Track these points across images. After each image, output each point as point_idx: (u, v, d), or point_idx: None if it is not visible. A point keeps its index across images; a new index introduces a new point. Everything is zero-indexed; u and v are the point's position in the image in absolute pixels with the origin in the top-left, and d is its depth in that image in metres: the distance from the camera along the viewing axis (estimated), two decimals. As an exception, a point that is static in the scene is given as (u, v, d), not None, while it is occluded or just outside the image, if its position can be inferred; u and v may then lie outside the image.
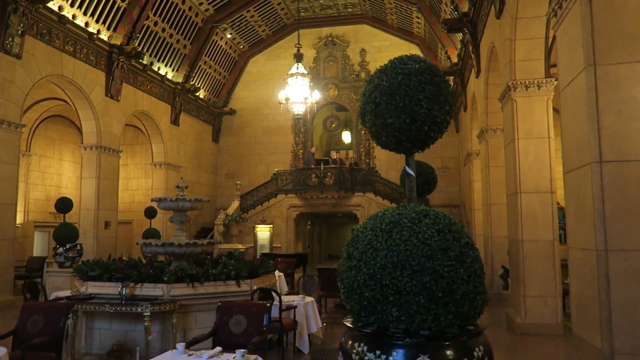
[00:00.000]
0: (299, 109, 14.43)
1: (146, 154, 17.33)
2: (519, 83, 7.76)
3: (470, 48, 11.77)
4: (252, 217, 18.19)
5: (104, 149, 13.54)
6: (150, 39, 15.45)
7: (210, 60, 19.04)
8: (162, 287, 5.98)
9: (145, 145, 17.23)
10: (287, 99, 14.37)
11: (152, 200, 7.50)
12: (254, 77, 20.94)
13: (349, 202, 17.87)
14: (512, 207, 7.97)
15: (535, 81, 7.71)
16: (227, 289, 6.19)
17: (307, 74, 14.60)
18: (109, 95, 13.80)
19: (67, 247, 9.86)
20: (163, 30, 15.81)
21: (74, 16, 12.31)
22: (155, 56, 16.03)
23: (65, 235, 9.90)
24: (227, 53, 19.90)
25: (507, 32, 7.98)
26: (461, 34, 12.84)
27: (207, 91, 19.84)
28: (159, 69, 16.38)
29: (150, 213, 13.44)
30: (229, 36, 19.19)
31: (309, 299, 6.82)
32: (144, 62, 15.50)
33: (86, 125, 13.34)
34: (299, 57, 14.65)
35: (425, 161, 8.32)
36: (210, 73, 19.45)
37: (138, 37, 14.42)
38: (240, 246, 16.60)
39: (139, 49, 14.36)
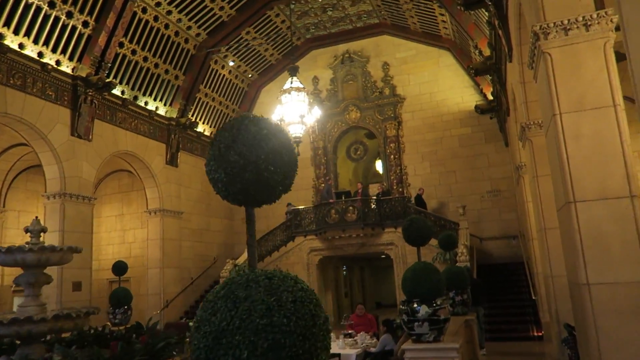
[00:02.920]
0: (296, 130, 11.98)
1: (143, 202, 15.43)
2: (552, 26, 4.83)
3: (496, 22, 8.93)
4: (268, 266, 15.63)
5: (69, 197, 11.66)
6: (130, 69, 13.80)
7: (213, 92, 17.32)
8: None
9: (142, 192, 15.36)
10: (281, 120, 12.00)
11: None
12: (267, 108, 18.84)
13: (379, 241, 15.04)
14: (566, 228, 4.89)
15: (581, 19, 4.75)
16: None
17: (304, 88, 12.19)
18: (76, 134, 12.06)
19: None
20: (145, 59, 14.16)
21: (20, 45, 10.73)
22: (139, 89, 14.37)
23: None
24: (233, 84, 18.16)
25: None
26: (484, 10, 10.06)
27: (213, 127, 18.05)
28: (146, 103, 14.70)
29: (118, 269, 11.09)
30: (231, 64, 17.43)
31: None
32: (126, 96, 13.85)
33: (48, 171, 11.59)
34: (292, 71, 12.42)
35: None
36: (215, 106, 17.73)
37: (108, 66, 12.70)
38: None
39: (109, 80, 12.61)
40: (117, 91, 13.53)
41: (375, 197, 15.58)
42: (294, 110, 11.86)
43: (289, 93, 11.93)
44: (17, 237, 14.40)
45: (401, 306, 5.26)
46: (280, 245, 16.12)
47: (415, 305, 5.08)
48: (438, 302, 5.07)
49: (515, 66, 8.65)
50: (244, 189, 2.26)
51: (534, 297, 10.84)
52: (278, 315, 1.99)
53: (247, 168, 2.21)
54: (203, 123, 17.47)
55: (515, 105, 10.48)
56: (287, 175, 2.37)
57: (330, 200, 15.36)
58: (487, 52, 12.28)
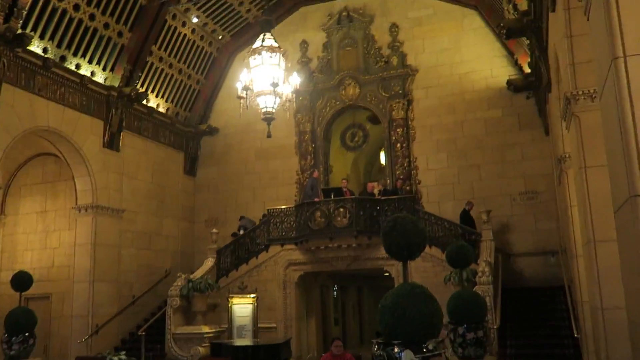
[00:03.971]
0: (267, 103, 11.15)
1: (72, 195, 14.58)
2: None
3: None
4: (233, 283, 14.95)
5: (-38, 185, 10.67)
6: (54, 21, 12.90)
7: (170, 56, 16.58)
8: None
9: (71, 182, 14.51)
10: (246, 89, 11.16)
11: None
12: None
13: (377, 253, 14.04)
14: (628, 236, 3.85)
15: None
16: None
17: (279, 47, 11.34)
18: (-25, 102, 11.09)
19: None
20: (76, 8, 13.26)
21: None
22: (68, 48, 13.54)
23: None
24: (199, 47, 17.43)
25: None
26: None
27: (172, 102, 17.34)
28: (77, 66, 13.89)
29: (19, 282, 10.00)
30: (195, 20, 16.58)
31: None
32: (49, 55, 12.99)
33: None
34: (265, 25, 11.77)
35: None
36: (173, 75, 16.98)
37: (23, 15, 11.76)
38: (206, 329, 13.30)
39: (23, 32, 11.67)
40: (36, 48, 12.68)
41: (375, 196, 14.76)
42: (265, 76, 11.11)
43: (259, 54, 11.23)
44: None
45: (375, 349, 4.28)
46: (251, 256, 15.36)
47: (395, 349, 4.10)
48: (430, 347, 4.09)
49: (559, 16, 7.75)
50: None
51: (576, 335, 10.16)
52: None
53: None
54: (157, 96, 16.74)
55: (559, 74, 9.63)
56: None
57: (315, 200, 14.53)
58: (523, 5, 11.38)
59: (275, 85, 10.92)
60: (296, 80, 11.64)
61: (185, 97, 17.80)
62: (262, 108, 11.19)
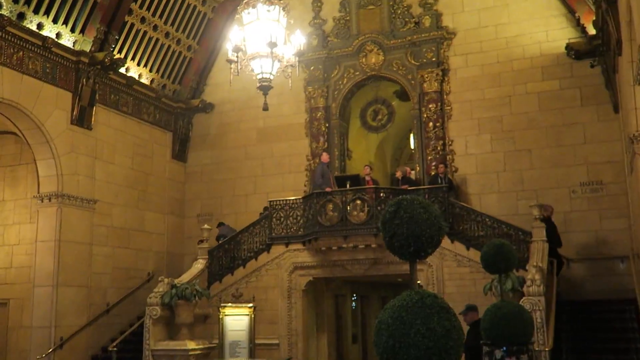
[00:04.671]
0: (263, 68, 10.80)
1: (34, 181, 14.37)
2: None
3: None
4: (227, 290, 14.76)
5: None
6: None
7: (155, 16, 16.39)
8: None
9: (33, 166, 14.28)
10: (237, 50, 10.89)
11: None
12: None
13: None
14: None
15: None
16: None
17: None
18: None
19: None
20: (37, -46, 12.79)
21: None
22: (27, 3, 13.29)
23: None
24: (190, 5, 17.27)
25: None
26: None
27: (157, 72, 17.17)
28: (39, 26, 13.64)
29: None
30: (185, -27, 16.14)
31: None
32: (5, 12, 12.75)
33: None
34: None
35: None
36: (158, 39, 16.78)
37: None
38: (192, 345, 12.89)
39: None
40: (-14, 3, 12.30)
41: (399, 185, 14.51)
42: (261, 34, 10.79)
43: (254, 7, 10.94)
44: None
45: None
46: (249, 258, 15.15)
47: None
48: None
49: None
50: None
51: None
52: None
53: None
54: (138, 64, 16.54)
55: (632, 30, 9.18)
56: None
57: (327, 189, 14.19)
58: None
59: (273, 45, 10.57)
60: (300, 40, 11.22)
61: (174, 66, 17.62)
62: (258, 74, 10.90)
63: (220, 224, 16.21)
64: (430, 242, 4.06)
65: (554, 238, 12.96)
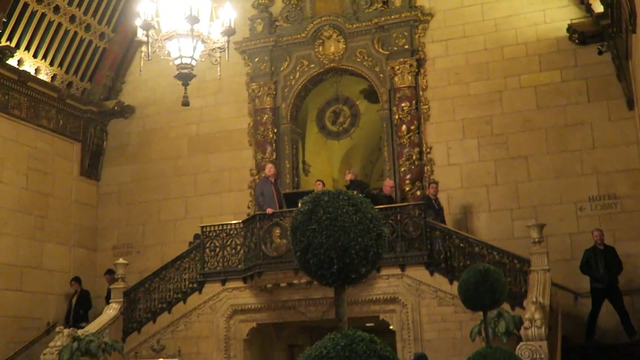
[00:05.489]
0: (182, 50, 10.70)
1: None
2: None
3: None
4: (145, 343, 14.78)
5: None
6: None
7: None
8: None
9: None
10: (147, 28, 10.68)
11: None
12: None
13: (369, 293, 14.13)
14: None
15: None
16: None
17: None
18: None
19: None
20: None
21: None
22: None
23: None
24: None
25: None
26: None
27: (60, 66, 17.09)
28: None
29: None
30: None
31: None
32: None
33: None
34: None
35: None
36: (62, 25, 16.71)
37: None
38: None
39: None
40: None
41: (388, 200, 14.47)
42: (178, 7, 10.65)
43: None
44: None
45: None
46: (176, 300, 14.99)
47: None
48: None
49: None
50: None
51: None
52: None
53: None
54: (35, 56, 16.39)
55: None
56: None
57: (268, 210, 14.14)
58: None
59: (194, 20, 10.40)
60: (230, 13, 11.18)
61: (82, 59, 17.64)
62: (176, 59, 10.80)
63: (109, 271, 16.15)
64: (364, 257, 3.47)
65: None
